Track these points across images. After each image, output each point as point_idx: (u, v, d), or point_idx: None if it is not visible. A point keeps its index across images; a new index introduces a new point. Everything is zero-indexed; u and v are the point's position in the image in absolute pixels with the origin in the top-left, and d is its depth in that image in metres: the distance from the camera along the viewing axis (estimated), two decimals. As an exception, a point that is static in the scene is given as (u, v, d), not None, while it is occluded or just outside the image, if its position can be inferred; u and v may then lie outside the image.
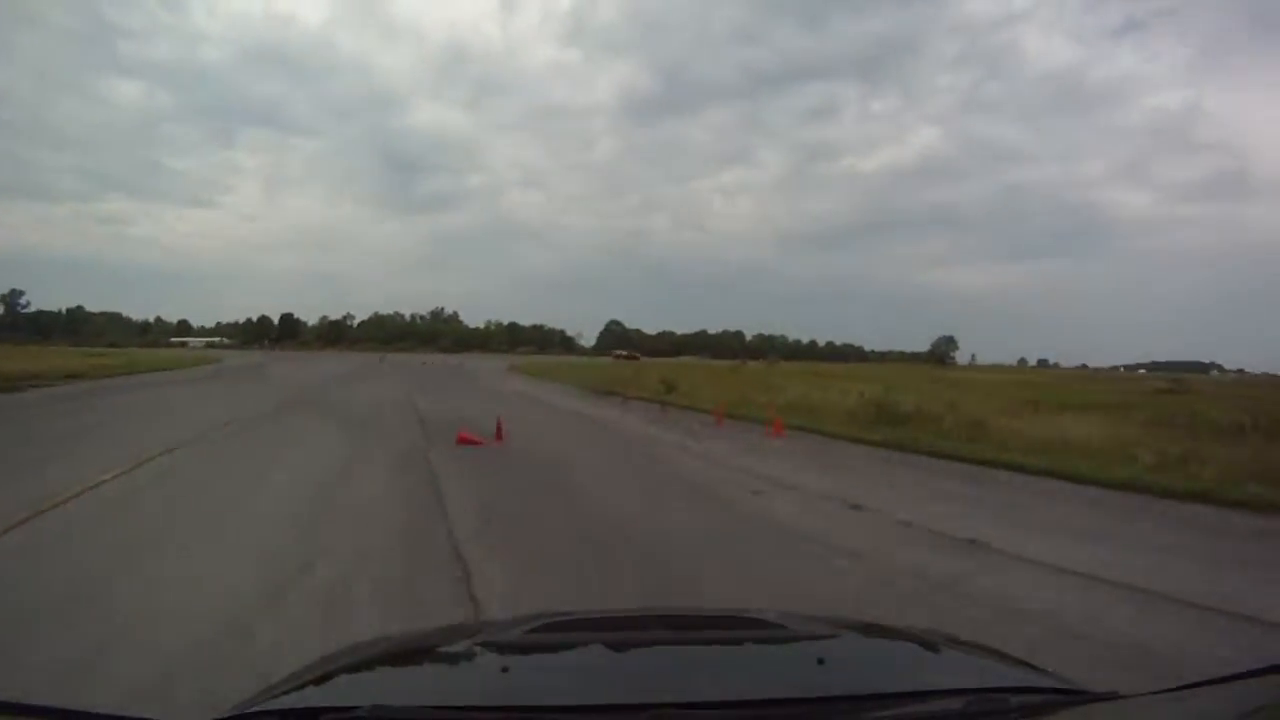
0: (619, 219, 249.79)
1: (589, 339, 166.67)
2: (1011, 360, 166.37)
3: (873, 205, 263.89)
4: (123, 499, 7.44)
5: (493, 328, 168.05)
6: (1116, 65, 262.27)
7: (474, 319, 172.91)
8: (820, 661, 1.47)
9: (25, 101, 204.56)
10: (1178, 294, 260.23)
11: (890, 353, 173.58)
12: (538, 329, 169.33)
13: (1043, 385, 38.22)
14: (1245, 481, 8.97)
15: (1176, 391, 33.88)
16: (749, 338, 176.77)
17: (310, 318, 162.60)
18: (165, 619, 4.16)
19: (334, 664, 1.53)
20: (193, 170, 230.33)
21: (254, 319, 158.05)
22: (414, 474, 9.25)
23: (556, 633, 1.76)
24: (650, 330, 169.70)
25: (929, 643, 1.73)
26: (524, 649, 1.62)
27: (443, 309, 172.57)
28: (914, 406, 18.16)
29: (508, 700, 1.26)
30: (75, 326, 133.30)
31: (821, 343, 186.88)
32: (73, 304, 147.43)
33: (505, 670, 1.46)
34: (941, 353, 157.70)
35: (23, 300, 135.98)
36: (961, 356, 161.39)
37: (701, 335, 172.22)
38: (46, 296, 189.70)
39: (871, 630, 1.91)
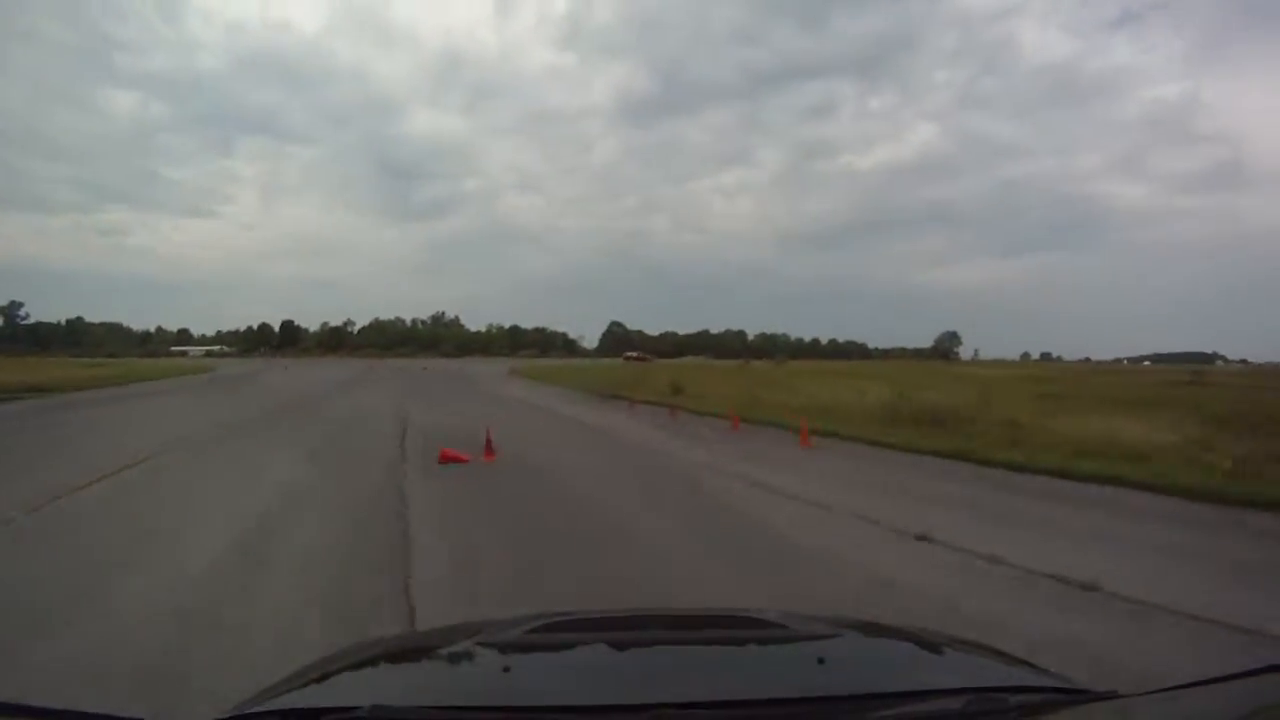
0: (618, 221, 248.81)
1: (591, 341, 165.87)
2: (1014, 355, 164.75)
3: (871, 203, 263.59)
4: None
5: (494, 331, 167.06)
6: (1112, 58, 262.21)
7: (475, 323, 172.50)
8: (820, 661, 1.48)
9: (22, 114, 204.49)
10: (1177, 286, 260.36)
11: (893, 349, 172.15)
12: (539, 332, 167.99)
13: (1055, 380, 36.47)
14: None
15: (1195, 383, 32.59)
16: (751, 337, 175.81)
17: (311, 325, 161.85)
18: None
19: (335, 664, 1.54)
20: (191, 180, 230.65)
21: (254, 327, 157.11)
22: (381, 511, 7.43)
23: (557, 633, 1.76)
24: (652, 331, 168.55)
25: (929, 642, 1.72)
26: (525, 649, 1.62)
27: (443, 313, 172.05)
28: (943, 406, 16.68)
29: (508, 700, 1.27)
30: (75, 337, 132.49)
31: (824, 341, 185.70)
32: (72, 315, 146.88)
33: (506, 670, 1.46)
34: (945, 348, 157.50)
35: (21, 312, 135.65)
36: (964, 352, 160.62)
37: (704, 335, 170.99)
38: (46, 308, 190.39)
39: (871, 630, 1.88)
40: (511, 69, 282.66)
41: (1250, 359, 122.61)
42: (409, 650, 1.79)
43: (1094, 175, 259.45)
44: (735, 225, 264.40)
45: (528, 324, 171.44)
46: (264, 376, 42.28)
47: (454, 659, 1.60)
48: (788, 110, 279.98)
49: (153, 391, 29.39)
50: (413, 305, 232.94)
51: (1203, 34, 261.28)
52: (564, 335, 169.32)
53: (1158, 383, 33.66)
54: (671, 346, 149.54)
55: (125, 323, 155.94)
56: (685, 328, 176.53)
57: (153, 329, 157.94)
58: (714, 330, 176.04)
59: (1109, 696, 1.34)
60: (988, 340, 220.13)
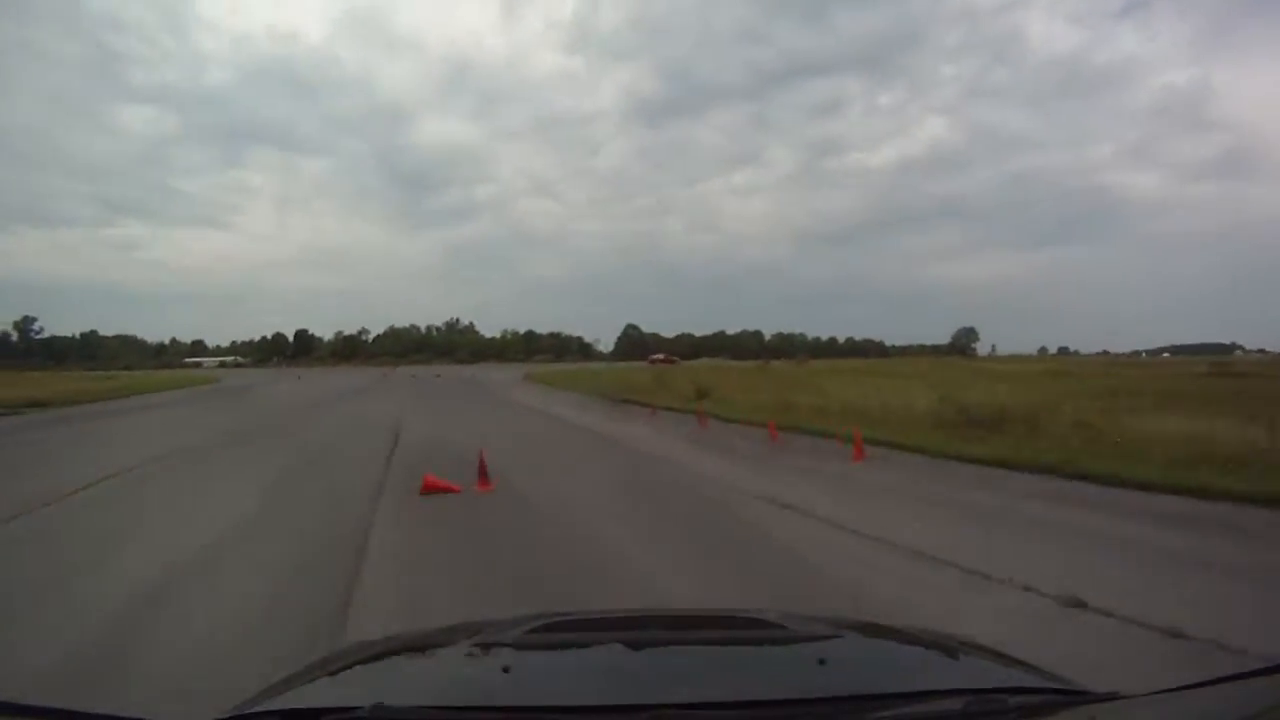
0: (631, 223, 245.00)
1: (606, 345, 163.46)
2: (1030, 349, 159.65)
3: (883, 200, 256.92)
4: None
5: (509, 337, 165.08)
6: (1119, 46, 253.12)
7: (490, 329, 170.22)
8: (821, 662, 1.47)
9: (35, 131, 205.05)
10: (1191, 276, 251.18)
11: (910, 346, 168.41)
12: (554, 336, 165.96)
13: (1086, 375, 34.12)
14: None
15: (1227, 374, 30.60)
16: (768, 337, 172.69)
17: (326, 333, 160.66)
18: None
19: (335, 664, 1.54)
20: (203, 192, 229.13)
21: (269, 337, 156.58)
22: (323, 575, 5.37)
23: (557, 633, 1.75)
24: (668, 334, 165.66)
25: (929, 643, 1.70)
26: (525, 649, 1.61)
27: (458, 320, 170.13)
28: (995, 407, 14.55)
29: (509, 700, 1.26)
30: (90, 351, 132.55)
31: (841, 339, 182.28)
32: (87, 328, 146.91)
33: (506, 670, 1.41)
34: (963, 344, 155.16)
35: (35, 326, 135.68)
36: (980, 348, 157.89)
37: (720, 336, 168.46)
38: (61, 322, 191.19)
39: (872, 630, 1.85)
40: (520, 74, 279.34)
41: (1268, 348, 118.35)
42: (409, 650, 1.70)
43: (1105, 166, 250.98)
44: (748, 225, 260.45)
45: (542, 329, 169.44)
46: (265, 388, 40.56)
47: (454, 659, 1.59)
48: (797, 109, 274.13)
49: (141, 406, 27.60)
50: (427, 312, 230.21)
51: (1209, 19, 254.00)
52: (579, 339, 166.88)
53: (1189, 374, 31.23)
54: (688, 348, 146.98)
55: (140, 335, 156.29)
56: (700, 329, 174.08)
57: (167, 341, 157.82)
58: (730, 331, 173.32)
59: (1109, 698, 1.30)
60: (1002, 335, 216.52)
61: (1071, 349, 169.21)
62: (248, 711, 1.19)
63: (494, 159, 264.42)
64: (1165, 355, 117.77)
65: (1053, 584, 4.73)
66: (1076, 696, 1.31)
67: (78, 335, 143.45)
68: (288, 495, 8.61)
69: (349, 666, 1.51)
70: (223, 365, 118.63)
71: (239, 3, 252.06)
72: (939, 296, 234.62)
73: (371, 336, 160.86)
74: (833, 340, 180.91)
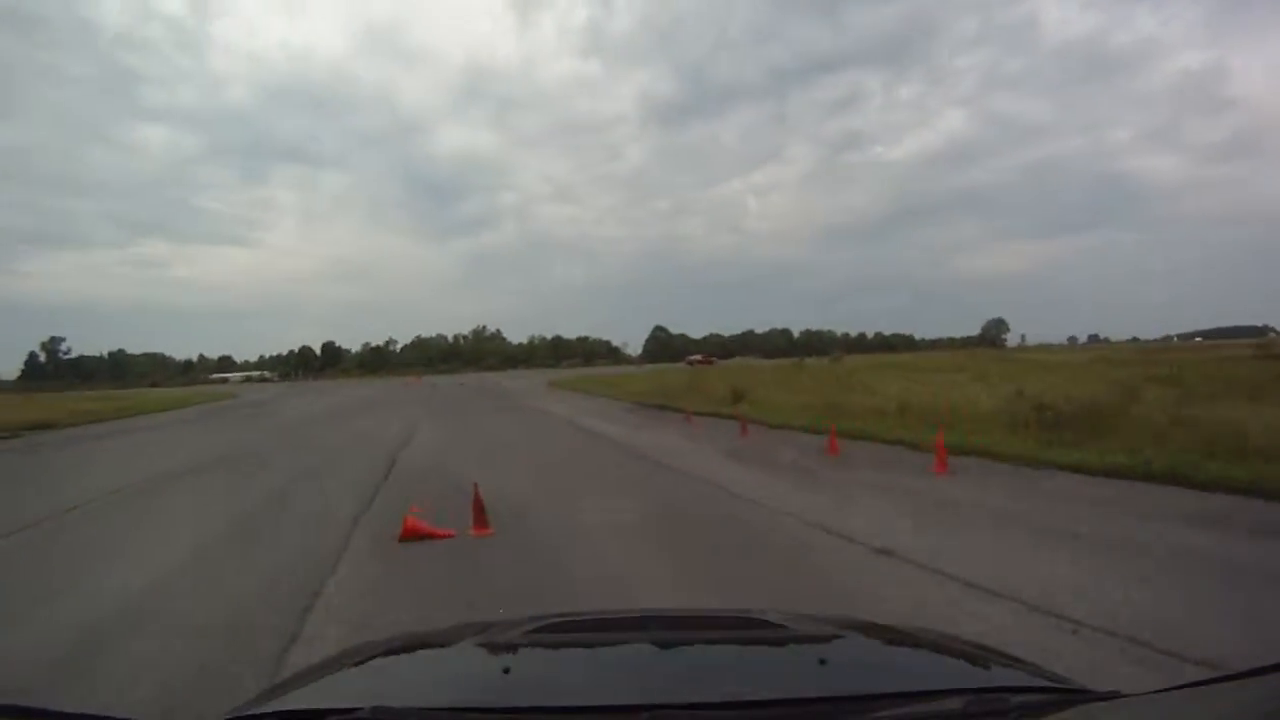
0: (654, 225, 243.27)
1: (635, 348, 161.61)
2: (1059, 339, 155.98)
3: (904, 193, 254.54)
4: None
5: (537, 343, 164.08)
6: (1134, 29, 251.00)
7: (517, 335, 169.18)
8: (822, 662, 1.45)
9: (58, 153, 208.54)
10: (1216, 259, 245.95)
11: (940, 340, 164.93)
12: (582, 341, 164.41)
13: (1133, 362, 31.36)
14: None
15: (1273, 357, 27.86)
16: (796, 334, 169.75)
17: (353, 346, 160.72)
18: None
19: (336, 664, 1.54)
20: (227, 210, 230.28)
21: (296, 350, 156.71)
22: (233, 667, 3.42)
23: (558, 633, 1.73)
24: (696, 334, 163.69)
25: (930, 643, 1.69)
26: (526, 650, 1.59)
27: (485, 327, 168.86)
28: (1074, 402, 12.60)
29: (509, 701, 1.24)
30: (118, 370, 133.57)
31: (870, 334, 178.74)
32: (115, 348, 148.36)
33: (507, 671, 1.40)
34: (993, 335, 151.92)
35: (63, 347, 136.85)
36: (1010, 339, 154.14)
37: (749, 335, 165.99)
38: (89, 342, 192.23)
39: (872, 631, 1.81)
40: (537, 80, 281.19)
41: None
42: (410, 650, 1.68)
43: (1125, 151, 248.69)
44: (771, 224, 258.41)
45: (570, 334, 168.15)
46: (280, 402, 39.29)
47: (455, 659, 1.59)
48: (814, 105, 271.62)
49: (127, 429, 25.62)
50: (454, 321, 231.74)
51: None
52: (607, 343, 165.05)
53: (1235, 358, 28.18)
54: (717, 348, 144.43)
55: (168, 353, 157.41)
56: (728, 329, 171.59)
57: (195, 358, 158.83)
58: (759, 330, 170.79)
59: (1110, 696, 1.27)
60: (1033, 325, 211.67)
61: (1101, 336, 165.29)
62: (248, 713, 1.18)
63: (515, 166, 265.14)
64: (1198, 340, 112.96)
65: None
66: (1077, 696, 1.28)
67: (106, 355, 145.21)
68: (228, 552, 6.71)
69: (350, 667, 1.50)
70: (247, 380, 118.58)
71: (257, 25, 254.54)
72: (965, 287, 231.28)
73: (399, 347, 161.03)
74: (862, 335, 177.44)
